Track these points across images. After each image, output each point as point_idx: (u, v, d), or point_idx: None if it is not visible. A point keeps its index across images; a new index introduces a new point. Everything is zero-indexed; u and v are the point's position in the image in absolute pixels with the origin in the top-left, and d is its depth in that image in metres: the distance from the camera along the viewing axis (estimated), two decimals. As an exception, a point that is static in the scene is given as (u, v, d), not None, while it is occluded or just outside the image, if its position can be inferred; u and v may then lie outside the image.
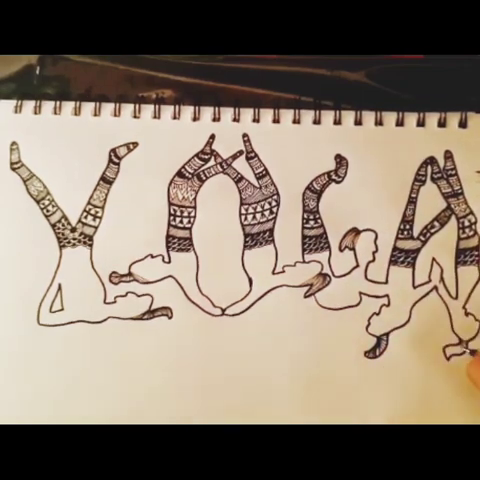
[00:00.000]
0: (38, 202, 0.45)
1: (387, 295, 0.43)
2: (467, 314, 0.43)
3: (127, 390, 0.43)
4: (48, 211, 0.45)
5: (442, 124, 0.45)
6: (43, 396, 0.43)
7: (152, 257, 0.44)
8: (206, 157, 0.45)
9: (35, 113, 0.46)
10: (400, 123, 0.45)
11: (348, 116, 0.45)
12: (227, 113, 0.45)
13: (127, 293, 0.44)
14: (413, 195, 0.44)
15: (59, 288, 0.44)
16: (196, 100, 0.46)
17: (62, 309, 0.44)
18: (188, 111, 0.46)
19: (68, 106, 0.46)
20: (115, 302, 0.44)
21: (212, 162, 0.45)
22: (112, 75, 0.47)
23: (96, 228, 0.45)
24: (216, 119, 0.45)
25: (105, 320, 0.44)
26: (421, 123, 0.45)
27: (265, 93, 0.46)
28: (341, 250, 0.44)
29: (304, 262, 0.44)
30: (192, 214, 0.45)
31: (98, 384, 0.43)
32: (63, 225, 0.45)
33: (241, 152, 0.45)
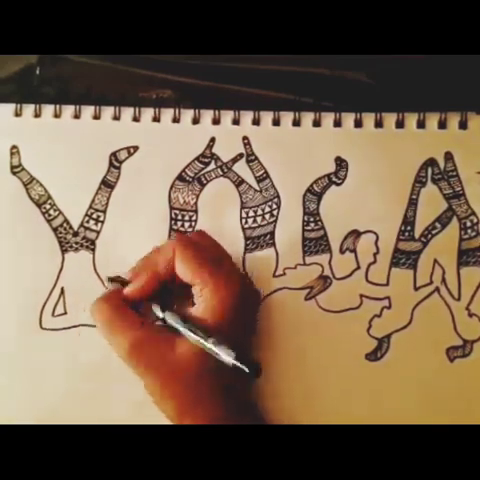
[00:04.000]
0: (39, 206, 0.45)
1: (388, 297, 0.43)
2: (471, 315, 0.43)
3: (130, 393, 0.43)
4: (50, 215, 0.45)
5: (442, 125, 0.44)
6: (45, 399, 0.44)
7: (154, 261, 0.44)
8: (206, 160, 0.45)
9: (35, 116, 0.46)
10: (400, 125, 0.45)
11: (348, 118, 0.45)
12: (227, 116, 0.45)
13: (130, 297, 0.44)
14: (414, 196, 0.44)
15: (62, 292, 0.45)
16: (196, 100, 0.46)
17: (65, 313, 0.44)
18: (188, 114, 0.46)
19: (68, 109, 0.46)
20: (118, 306, 0.44)
21: (212, 165, 0.45)
22: (112, 75, 0.47)
23: (98, 232, 0.45)
24: (216, 122, 0.45)
25: (108, 324, 0.44)
26: (421, 124, 0.44)
27: (265, 93, 0.46)
28: (342, 252, 0.44)
29: (305, 264, 0.44)
30: (193, 218, 0.45)
31: (101, 387, 0.43)
32: (65, 229, 0.45)
33: (241, 155, 0.45)
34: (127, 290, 0.40)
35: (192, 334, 0.38)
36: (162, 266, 0.40)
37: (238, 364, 0.36)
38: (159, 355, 0.38)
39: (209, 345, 0.37)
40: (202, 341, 0.37)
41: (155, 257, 0.40)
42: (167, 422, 0.38)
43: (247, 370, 0.36)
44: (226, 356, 0.36)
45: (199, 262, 0.39)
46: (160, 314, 0.40)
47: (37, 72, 0.47)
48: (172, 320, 0.39)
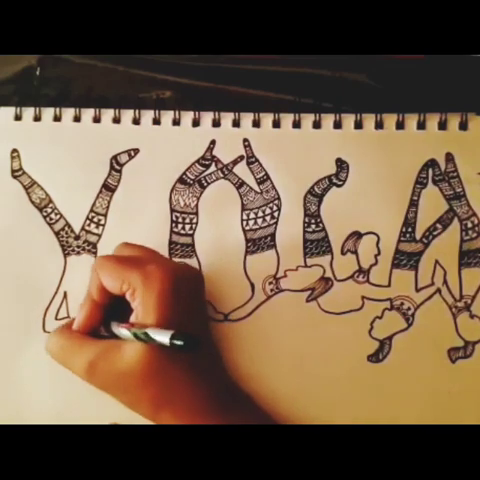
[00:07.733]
0: (41, 210, 0.46)
1: (390, 298, 0.44)
2: (472, 316, 0.43)
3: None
4: (51, 219, 0.45)
5: (442, 126, 0.44)
6: (48, 402, 0.44)
7: (155, 264, 0.44)
8: (207, 163, 0.45)
9: (35, 120, 0.46)
10: (400, 126, 0.44)
11: (348, 119, 0.45)
12: (227, 118, 0.45)
13: (131, 300, 0.44)
14: (415, 198, 0.44)
15: (64, 296, 0.45)
16: (196, 101, 0.46)
17: (68, 317, 0.45)
18: (188, 116, 0.46)
19: (68, 112, 0.46)
20: (120, 309, 0.44)
21: (213, 168, 0.45)
22: (112, 76, 0.47)
23: (100, 236, 0.45)
24: (216, 124, 0.45)
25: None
26: (421, 126, 0.44)
27: (265, 94, 0.46)
28: (343, 254, 0.44)
29: (306, 266, 0.44)
30: (194, 220, 0.45)
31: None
32: (66, 233, 0.45)
33: (242, 157, 0.45)
34: (74, 325, 0.40)
35: (132, 333, 0.37)
36: (94, 292, 0.40)
37: (173, 341, 0.35)
38: (112, 367, 0.38)
39: (150, 334, 0.36)
40: (139, 333, 0.37)
41: (89, 286, 0.41)
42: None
43: (182, 343, 0.35)
44: (163, 337, 0.36)
45: (121, 269, 0.39)
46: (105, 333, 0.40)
47: (37, 73, 0.47)
48: (116, 330, 0.39)
